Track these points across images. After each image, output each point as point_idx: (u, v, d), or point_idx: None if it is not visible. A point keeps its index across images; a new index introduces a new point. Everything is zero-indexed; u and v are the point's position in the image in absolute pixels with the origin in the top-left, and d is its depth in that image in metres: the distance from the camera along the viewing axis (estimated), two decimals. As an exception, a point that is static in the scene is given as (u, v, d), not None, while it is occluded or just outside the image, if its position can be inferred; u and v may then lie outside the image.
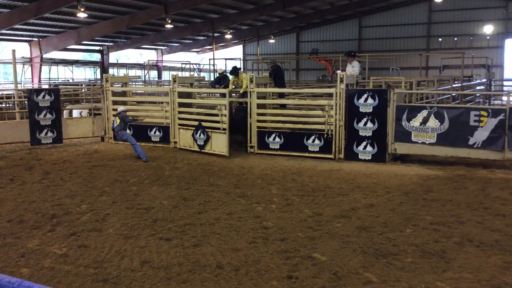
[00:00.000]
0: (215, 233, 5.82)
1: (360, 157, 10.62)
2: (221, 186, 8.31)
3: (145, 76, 35.06)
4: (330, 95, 11.38)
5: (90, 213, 6.66)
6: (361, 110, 10.52)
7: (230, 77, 14.03)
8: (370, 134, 10.50)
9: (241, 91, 13.49)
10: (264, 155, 11.44)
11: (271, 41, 41.54)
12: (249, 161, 10.81)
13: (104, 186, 8.29)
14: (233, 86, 13.95)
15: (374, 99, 10.41)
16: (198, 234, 5.76)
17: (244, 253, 5.16)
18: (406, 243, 5.45)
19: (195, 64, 40.50)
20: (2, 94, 20.74)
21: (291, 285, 4.44)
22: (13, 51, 17.49)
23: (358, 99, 10.52)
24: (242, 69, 14.48)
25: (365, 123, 10.51)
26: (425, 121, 10.11)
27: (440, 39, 36.46)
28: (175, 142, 12.55)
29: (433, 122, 10.04)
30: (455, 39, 35.80)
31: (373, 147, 10.52)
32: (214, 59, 33.81)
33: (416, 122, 10.18)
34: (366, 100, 10.46)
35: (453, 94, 16.51)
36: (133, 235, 5.74)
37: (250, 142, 11.80)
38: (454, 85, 19.14)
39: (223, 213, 6.68)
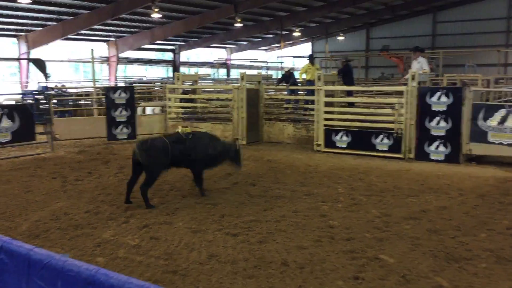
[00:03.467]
0: (280, 230, 5.85)
1: (431, 157, 10.26)
2: (287, 183, 8.33)
3: (214, 74, 35.78)
4: (400, 93, 11.09)
5: (161, 207, 6.92)
6: (433, 108, 10.15)
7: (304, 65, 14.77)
8: (443, 133, 10.11)
9: (307, 77, 13.99)
10: (330, 153, 11.33)
11: (340, 38, 40.95)
12: (316, 159, 10.75)
13: (175, 181, 8.55)
14: (303, 76, 14.45)
15: (448, 97, 10.01)
16: (263, 231, 5.82)
17: (310, 251, 5.15)
18: (480, 248, 5.20)
19: (263, 62, 40.78)
20: (82, 91, 21.95)
21: (357, 286, 4.38)
22: (92, 50, 18.49)
23: (430, 97, 10.16)
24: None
25: (438, 122, 10.13)
26: (503, 120, 9.57)
27: (521, 34, 34.34)
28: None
29: (512, 122, 9.50)
30: (538, 34, 33.58)
31: (446, 147, 10.12)
32: (282, 57, 33.87)
33: (493, 121, 9.67)
34: (439, 98, 10.08)
35: (535, 92, 15.54)
36: (201, 229, 5.90)
37: (317, 140, 11.74)
38: (536, 83, 18.02)
39: (289, 210, 6.69)
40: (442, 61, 25.49)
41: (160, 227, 5.99)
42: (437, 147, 10.21)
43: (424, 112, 10.26)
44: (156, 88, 24.29)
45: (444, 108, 10.07)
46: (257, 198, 7.35)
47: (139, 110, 16.13)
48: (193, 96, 14.55)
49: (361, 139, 11.13)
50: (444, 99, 10.05)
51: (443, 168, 9.59)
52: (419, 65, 12.14)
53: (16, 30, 26.29)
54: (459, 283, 4.39)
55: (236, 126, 12.92)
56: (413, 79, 10.46)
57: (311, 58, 15.11)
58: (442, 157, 10.17)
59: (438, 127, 10.15)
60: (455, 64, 30.72)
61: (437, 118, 10.14)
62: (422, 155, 10.35)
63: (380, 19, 39.27)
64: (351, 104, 12.92)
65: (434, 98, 10.13)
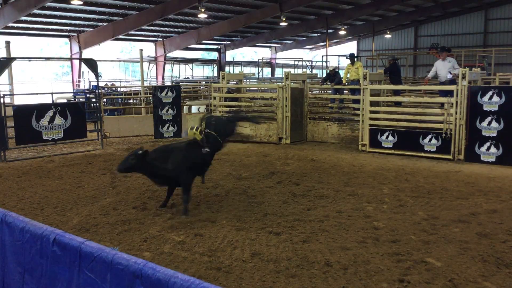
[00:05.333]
0: (323, 230, 5.81)
1: (482, 158, 9.92)
2: (331, 183, 8.26)
3: (258, 73, 35.89)
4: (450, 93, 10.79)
5: (205, 204, 7.01)
6: (485, 108, 9.81)
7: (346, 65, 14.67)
8: (495, 134, 9.76)
9: (350, 78, 13.86)
10: (375, 153, 11.15)
11: (387, 36, 40.19)
12: (360, 159, 10.61)
13: (219, 179, 8.65)
14: (347, 76, 14.32)
15: (501, 97, 9.65)
16: (307, 230, 5.80)
17: (353, 252, 5.10)
18: (533, 254, 4.99)
19: (308, 61, 40.56)
20: (130, 90, 22.54)
21: (402, 289, 4.30)
22: (141, 50, 18.96)
23: (482, 97, 9.83)
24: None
25: (489, 123, 9.79)
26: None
27: None
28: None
29: None
30: None
31: (498, 149, 9.76)
32: (327, 55, 33.58)
33: (549, 122, 9.26)
34: (491, 98, 9.73)
35: None
36: (245, 227, 5.94)
37: (362, 140, 11.58)
38: None
39: (333, 210, 6.64)
40: (494, 60, 24.59)
41: (204, 224, 6.08)
42: (488, 148, 9.87)
43: (475, 112, 9.94)
44: (202, 87, 24.63)
45: (496, 108, 9.72)
46: (300, 198, 7.33)
47: (185, 108, 16.42)
48: (237, 95, 14.66)
49: (408, 139, 10.90)
50: (496, 98, 9.70)
51: (494, 170, 9.27)
52: (450, 65, 11.97)
53: (68, 31, 27.32)
54: (510, 290, 4.24)
55: (280, 125, 12.92)
56: (463, 78, 10.15)
57: (351, 57, 14.78)
58: (493, 159, 9.83)
59: (490, 127, 9.81)
60: (508, 62, 29.56)
61: (489, 119, 9.80)
62: (472, 157, 10.04)
63: (429, 17, 38.28)
64: (397, 104, 12.67)
65: (486, 98, 9.80)
